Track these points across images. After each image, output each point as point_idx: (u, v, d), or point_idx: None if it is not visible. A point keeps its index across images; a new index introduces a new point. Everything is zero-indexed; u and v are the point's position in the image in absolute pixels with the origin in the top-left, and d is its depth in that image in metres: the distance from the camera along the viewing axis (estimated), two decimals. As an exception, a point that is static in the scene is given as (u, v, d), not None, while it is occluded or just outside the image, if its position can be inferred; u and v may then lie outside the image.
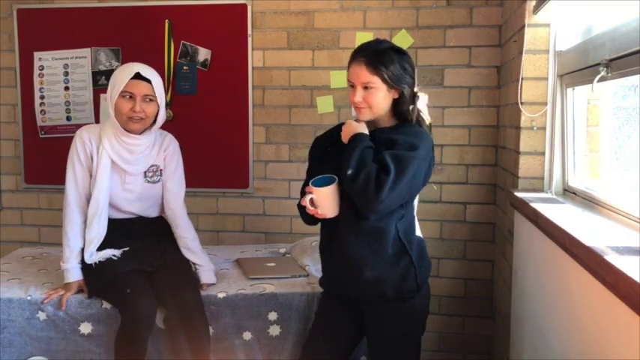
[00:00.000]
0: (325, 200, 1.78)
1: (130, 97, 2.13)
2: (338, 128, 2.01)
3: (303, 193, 1.93)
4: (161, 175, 2.31)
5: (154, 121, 2.23)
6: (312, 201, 1.80)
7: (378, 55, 1.78)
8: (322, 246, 1.95)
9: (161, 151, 2.30)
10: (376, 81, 1.77)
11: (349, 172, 1.70)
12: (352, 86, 1.81)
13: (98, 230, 2.20)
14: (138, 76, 2.13)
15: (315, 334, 2.00)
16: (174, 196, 2.32)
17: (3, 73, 3.20)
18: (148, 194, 2.29)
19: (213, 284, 2.30)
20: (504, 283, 2.53)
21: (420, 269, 1.86)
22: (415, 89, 1.86)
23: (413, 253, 1.83)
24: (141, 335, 2.07)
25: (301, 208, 1.90)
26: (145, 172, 2.27)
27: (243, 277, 2.40)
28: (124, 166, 2.21)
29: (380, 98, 1.79)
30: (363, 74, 1.77)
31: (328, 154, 1.92)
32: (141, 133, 2.21)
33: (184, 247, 2.32)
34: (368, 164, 1.69)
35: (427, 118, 1.91)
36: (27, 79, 3.16)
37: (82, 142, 2.21)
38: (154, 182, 2.29)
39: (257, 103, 3.05)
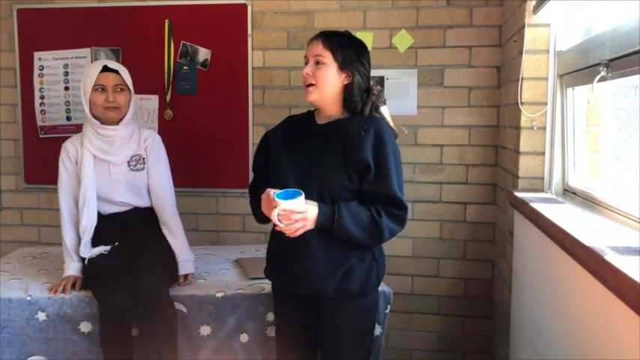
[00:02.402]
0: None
1: (102, 89, 2.29)
2: (288, 121, 2.00)
3: (252, 193, 1.96)
4: (144, 163, 2.40)
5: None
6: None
7: (335, 36, 1.86)
8: (288, 243, 1.79)
9: (141, 142, 2.41)
10: (328, 56, 1.81)
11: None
12: (306, 63, 1.86)
13: (88, 221, 2.31)
14: (106, 69, 2.30)
15: (281, 339, 1.98)
16: (157, 185, 2.41)
17: (3, 73, 3.20)
18: (134, 182, 2.38)
19: (192, 273, 2.35)
20: (504, 283, 2.53)
21: (380, 265, 1.87)
22: (373, 86, 1.86)
23: (375, 248, 1.85)
24: (116, 329, 2.10)
25: (255, 207, 1.89)
26: (128, 162, 2.37)
27: (243, 277, 2.40)
28: (106, 157, 2.34)
29: (329, 76, 1.81)
30: (318, 48, 1.83)
31: (287, 150, 1.87)
32: (117, 123, 2.33)
33: (166, 229, 2.39)
34: (382, 228, 1.74)
35: (392, 125, 1.89)
36: (27, 79, 3.15)
37: (67, 152, 2.37)
38: (137, 170, 2.38)
39: (257, 103, 3.05)
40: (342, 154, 1.77)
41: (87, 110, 2.32)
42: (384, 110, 1.89)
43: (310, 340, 1.94)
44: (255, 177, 2.02)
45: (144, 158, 2.40)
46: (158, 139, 2.46)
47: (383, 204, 1.75)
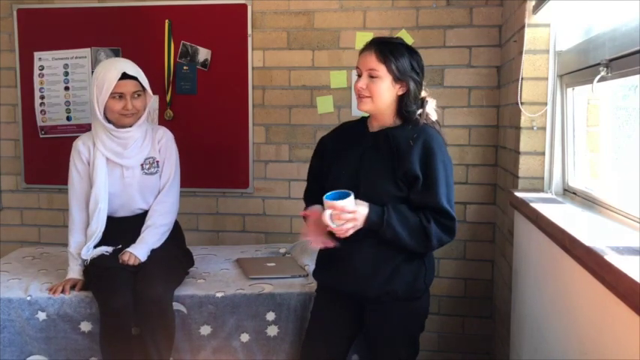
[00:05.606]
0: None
1: (120, 96, 2.21)
2: (342, 128, 2.02)
3: (306, 199, 1.97)
4: (158, 166, 2.35)
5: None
6: (330, 217, 1.73)
7: (389, 46, 1.81)
8: (339, 243, 1.87)
9: (155, 142, 2.35)
10: (382, 69, 1.78)
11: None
12: (359, 75, 1.83)
13: (97, 226, 2.26)
14: (124, 76, 2.20)
15: (313, 335, 2.00)
16: (162, 184, 2.36)
17: (3, 73, 3.20)
18: (147, 185, 2.33)
19: (137, 258, 2.20)
20: (504, 283, 2.53)
21: (429, 270, 1.87)
22: (423, 93, 1.86)
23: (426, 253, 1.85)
24: (116, 330, 2.09)
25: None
26: (142, 165, 2.31)
27: (244, 277, 2.40)
28: (119, 161, 2.28)
29: (383, 89, 1.79)
30: (371, 61, 1.79)
31: (340, 156, 1.91)
32: (131, 125, 2.28)
33: (147, 218, 2.31)
34: (430, 233, 1.74)
35: (435, 117, 1.90)
36: (27, 79, 3.15)
37: (78, 153, 2.31)
38: (151, 174, 2.33)
39: (257, 103, 3.05)
40: (391, 162, 1.78)
41: (100, 115, 2.23)
42: (431, 109, 1.86)
43: (341, 340, 1.96)
44: (308, 182, 2.04)
45: (158, 161, 2.35)
46: (172, 138, 2.40)
47: (432, 212, 1.76)
